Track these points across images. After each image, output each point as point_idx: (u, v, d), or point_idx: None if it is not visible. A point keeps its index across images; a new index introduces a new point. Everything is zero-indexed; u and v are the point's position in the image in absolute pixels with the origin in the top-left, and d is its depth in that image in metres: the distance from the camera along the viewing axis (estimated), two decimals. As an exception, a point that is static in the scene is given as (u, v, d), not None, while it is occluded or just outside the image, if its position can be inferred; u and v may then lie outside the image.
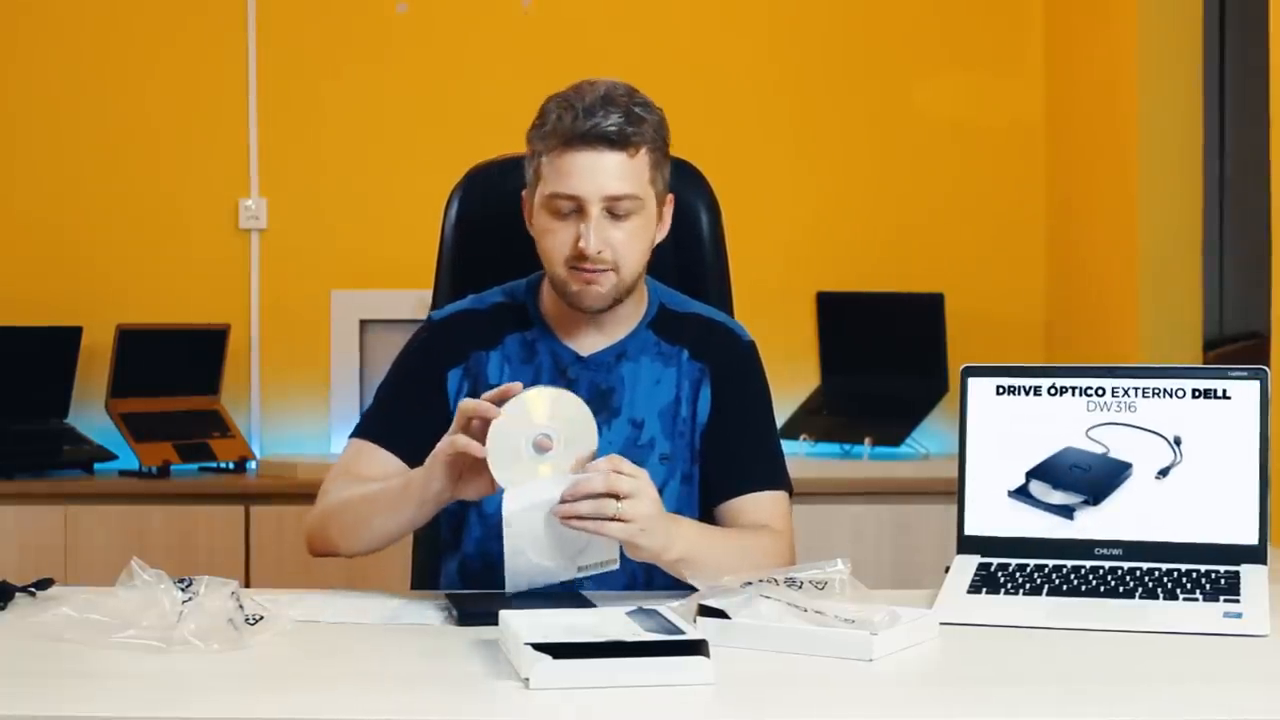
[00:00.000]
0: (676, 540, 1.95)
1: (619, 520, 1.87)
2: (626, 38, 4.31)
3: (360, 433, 2.20)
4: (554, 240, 2.11)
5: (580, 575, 1.94)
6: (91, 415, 4.12)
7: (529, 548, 1.91)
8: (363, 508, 2.08)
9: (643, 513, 1.88)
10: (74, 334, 4.12)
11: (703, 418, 2.21)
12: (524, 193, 2.18)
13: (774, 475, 2.20)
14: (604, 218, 2.08)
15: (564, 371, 2.19)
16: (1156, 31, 3.78)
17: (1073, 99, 4.24)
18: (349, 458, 2.18)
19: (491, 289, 2.27)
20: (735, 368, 2.23)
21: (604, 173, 2.07)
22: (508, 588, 1.94)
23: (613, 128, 2.06)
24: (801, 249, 4.36)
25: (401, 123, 4.31)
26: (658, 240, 2.18)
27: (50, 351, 4.10)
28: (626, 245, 2.10)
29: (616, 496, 1.87)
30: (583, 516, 1.86)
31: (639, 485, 1.88)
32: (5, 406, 4.03)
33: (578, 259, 2.09)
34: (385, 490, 2.06)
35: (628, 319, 2.21)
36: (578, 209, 2.08)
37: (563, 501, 1.87)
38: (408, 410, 2.17)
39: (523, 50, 4.30)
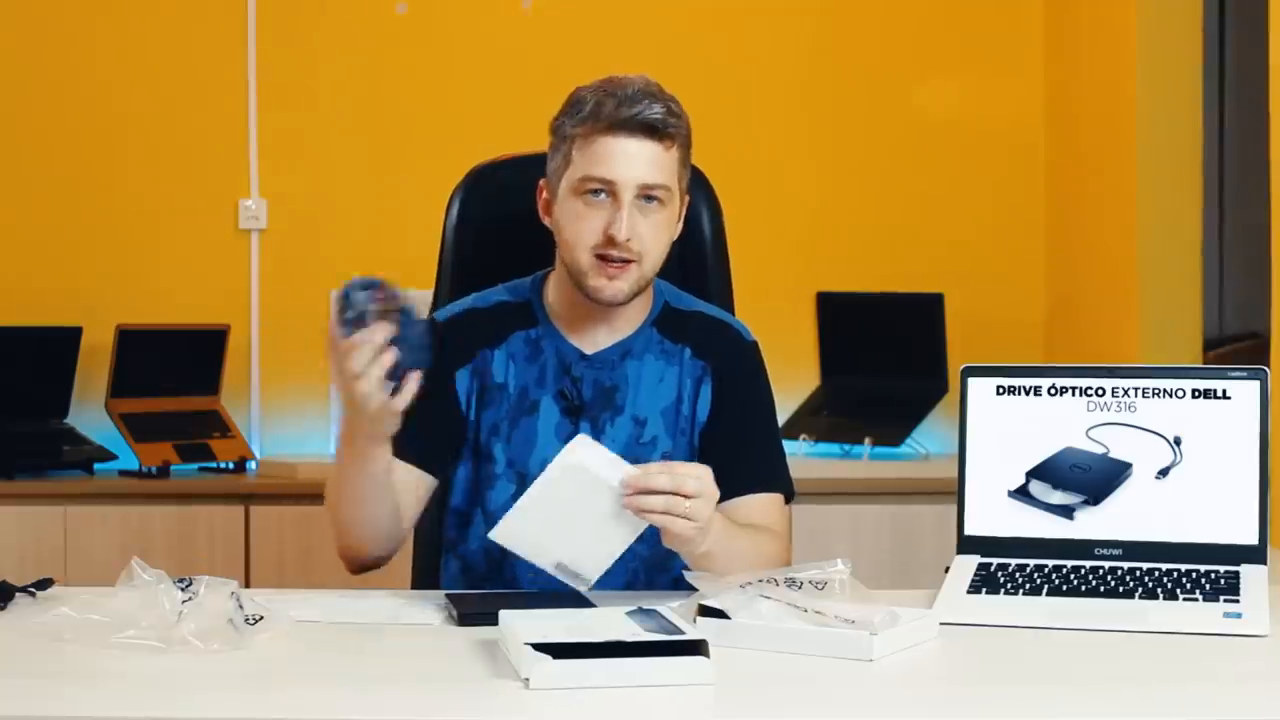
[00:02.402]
0: (710, 533, 1.95)
1: (686, 519, 1.87)
2: (627, 38, 4.30)
3: None
4: (582, 226, 2.09)
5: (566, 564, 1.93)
6: (91, 415, 4.11)
7: (552, 511, 1.88)
8: (334, 488, 2.08)
9: (705, 514, 1.89)
10: (74, 334, 4.11)
11: (702, 416, 2.21)
12: (542, 181, 2.17)
13: (770, 477, 2.20)
14: (635, 206, 2.08)
15: (568, 369, 2.19)
16: (1156, 31, 3.78)
17: (1073, 99, 4.24)
18: None
19: (493, 288, 2.27)
20: (737, 367, 2.23)
21: (642, 160, 2.07)
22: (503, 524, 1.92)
23: (656, 116, 2.07)
24: (801, 249, 4.36)
25: (401, 123, 4.31)
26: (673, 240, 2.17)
27: (50, 351, 4.09)
28: (653, 237, 2.10)
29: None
30: (653, 510, 1.86)
31: (704, 487, 1.89)
32: (5, 406, 4.02)
33: (607, 245, 2.08)
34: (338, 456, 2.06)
35: (634, 317, 2.20)
36: (610, 195, 2.08)
37: (631, 492, 1.86)
38: (415, 417, 2.10)
39: (523, 50, 4.30)
